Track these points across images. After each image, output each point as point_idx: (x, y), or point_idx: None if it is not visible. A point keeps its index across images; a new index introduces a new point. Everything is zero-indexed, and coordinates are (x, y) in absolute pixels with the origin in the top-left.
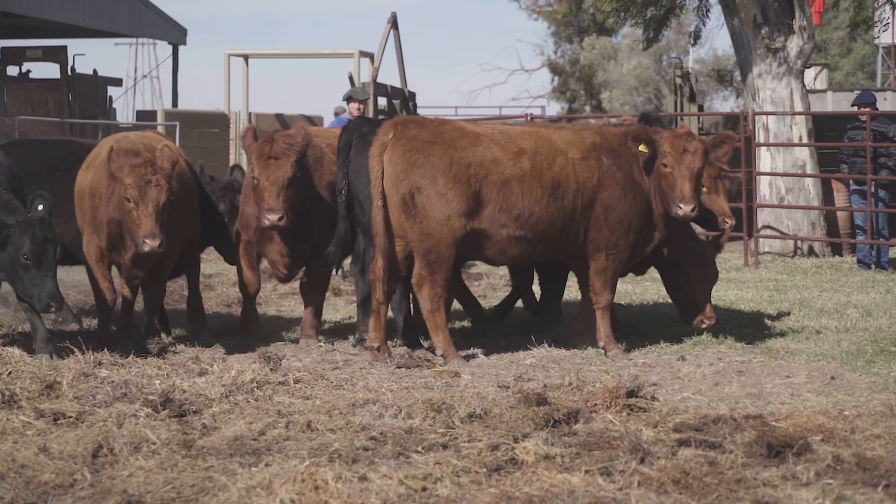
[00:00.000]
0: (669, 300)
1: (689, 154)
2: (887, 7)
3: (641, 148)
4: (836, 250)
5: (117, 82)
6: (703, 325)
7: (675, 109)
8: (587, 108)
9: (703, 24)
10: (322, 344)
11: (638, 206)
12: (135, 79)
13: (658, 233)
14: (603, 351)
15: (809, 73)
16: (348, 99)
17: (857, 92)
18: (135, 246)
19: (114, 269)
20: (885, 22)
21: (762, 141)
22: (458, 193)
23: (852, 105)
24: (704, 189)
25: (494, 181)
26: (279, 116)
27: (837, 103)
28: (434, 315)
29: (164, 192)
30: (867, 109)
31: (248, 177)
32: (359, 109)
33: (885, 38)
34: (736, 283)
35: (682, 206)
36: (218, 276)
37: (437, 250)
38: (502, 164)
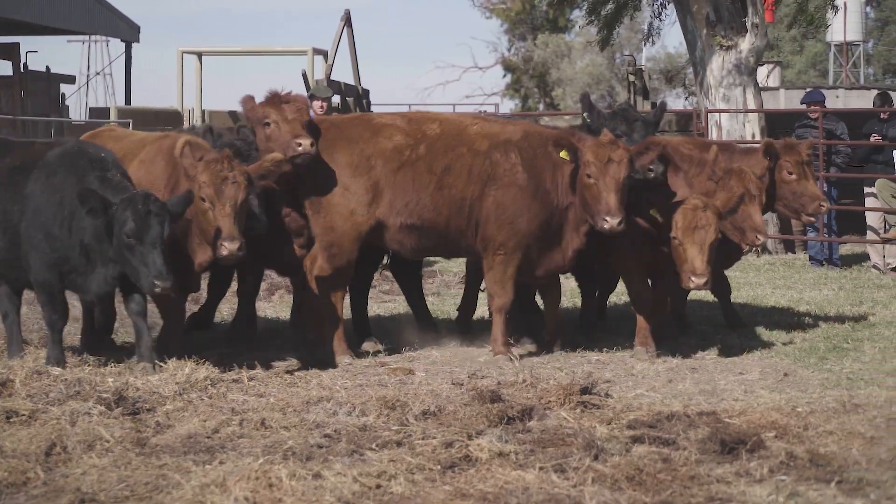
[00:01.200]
0: (627, 298)
1: (614, 163)
2: (830, 10)
3: (563, 155)
4: (789, 247)
5: (70, 79)
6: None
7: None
8: (540, 106)
9: (660, 21)
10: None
11: (536, 211)
12: (88, 76)
13: (572, 244)
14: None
15: (762, 71)
16: (311, 97)
17: (809, 90)
18: (204, 251)
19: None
20: (827, 24)
21: (715, 139)
22: (359, 186)
23: (801, 103)
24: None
25: (391, 169)
26: (232, 114)
27: (790, 101)
28: (329, 307)
29: (243, 190)
30: (816, 108)
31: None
32: (321, 107)
33: (836, 36)
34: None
35: (607, 219)
36: None
37: (339, 244)
38: (401, 151)
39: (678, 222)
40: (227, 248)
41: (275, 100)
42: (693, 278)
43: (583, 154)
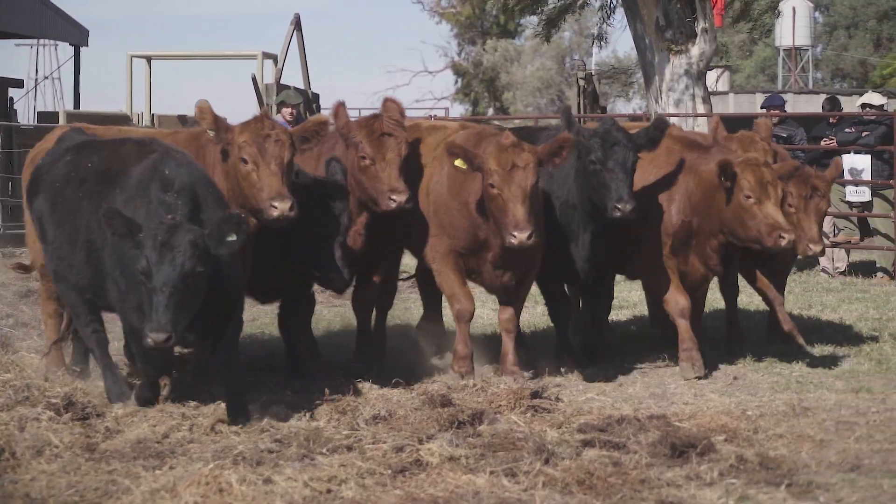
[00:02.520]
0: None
1: (520, 170)
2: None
3: (457, 164)
4: None
5: (18, 83)
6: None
7: (579, 111)
8: (490, 110)
9: (608, 25)
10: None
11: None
12: (36, 80)
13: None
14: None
15: (711, 76)
16: (281, 104)
17: (766, 94)
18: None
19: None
20: (767, 28)
21: None
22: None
23: (762, 108)
24: (791, 209)
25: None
26: (182, 118)
27: (739, 105)
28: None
29: (287, 149)
30: (776, 112)
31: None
32: (291, 114)
33: (785, 41)
34: (637, 284)
35: (515, 234)
36: None
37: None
38: None
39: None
40: (279, 207)
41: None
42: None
43: (484, 161)
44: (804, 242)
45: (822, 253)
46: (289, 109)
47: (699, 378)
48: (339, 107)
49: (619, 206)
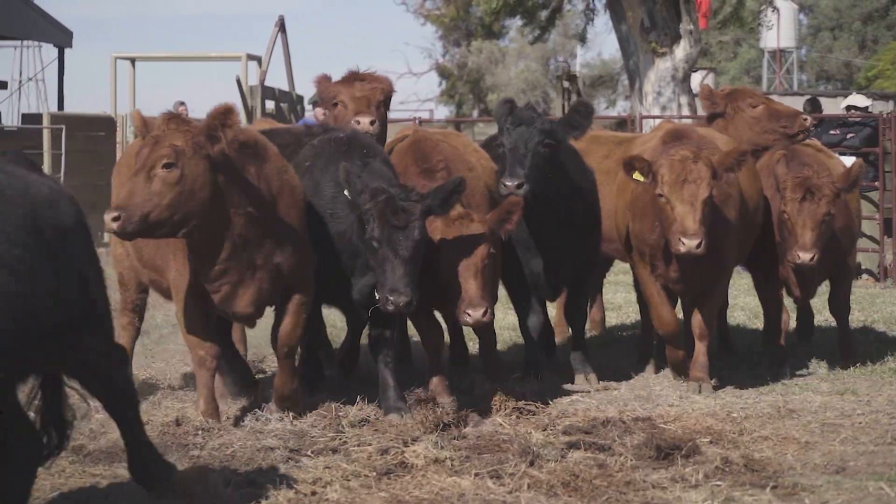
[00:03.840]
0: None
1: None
2: (769, 10)
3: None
4: None
5: (2, 85)
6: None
7: (563, 113)
8: (475, 112)
9: (591, 24)
10: None
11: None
12: (20, 81)
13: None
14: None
15: (696, 77)
16: (314, 103)
17: None
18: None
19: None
20: (769, 25)
21: None
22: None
23: None
24: (785, 215)
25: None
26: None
27: None
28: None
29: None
30: None
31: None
32: (324, 114)
33: (770, 43)
34: (624, 286)
35: (684, 241)
36: None
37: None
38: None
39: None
40: (686, 245)
41: (349, 78)
42: (800, 252)
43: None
44: (794, 250)
45: (813, 263)
46: (320, 109)
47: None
48: (323, 77)
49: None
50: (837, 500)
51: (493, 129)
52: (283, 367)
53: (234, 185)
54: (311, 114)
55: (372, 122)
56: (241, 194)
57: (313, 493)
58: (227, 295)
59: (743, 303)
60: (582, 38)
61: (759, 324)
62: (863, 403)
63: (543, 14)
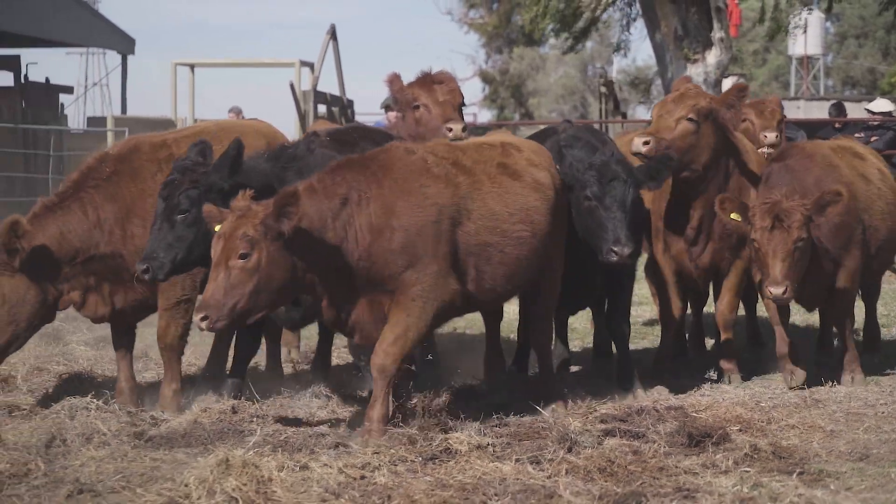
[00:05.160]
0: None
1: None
2: (804, 13)
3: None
4: None
5: (69, 90)
6: None
7: (601, 117)
8: (516, 116)
9: (629, 34)
10: None
11: None
12: (85, 87)
13: None
14: None
15: (727, 83)
16: (387, 107)
17: None
18: None
19: None
20: (802, 28)
21: None
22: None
23: None
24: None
25: None
26: None
27: None
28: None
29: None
30: None
31: None
32: (397, 117)
33: (797, 50)
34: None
35: (771, 290)
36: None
37: None
38: None
39: None
40: (774, 292)
41: (425, 80)
42: (770, 288)
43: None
44: (766, 284)
45: (786, 296)
46: (394, 113)
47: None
48: (395, 76)
49: (616, 250)
50: (861, 486)
51: (531, 132)
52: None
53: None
54: (384, 117)
55: (464, 129)
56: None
57: (362, 477)
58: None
59: None
60: (617, 48)
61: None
62: (885, 394)
63: (579, 25)
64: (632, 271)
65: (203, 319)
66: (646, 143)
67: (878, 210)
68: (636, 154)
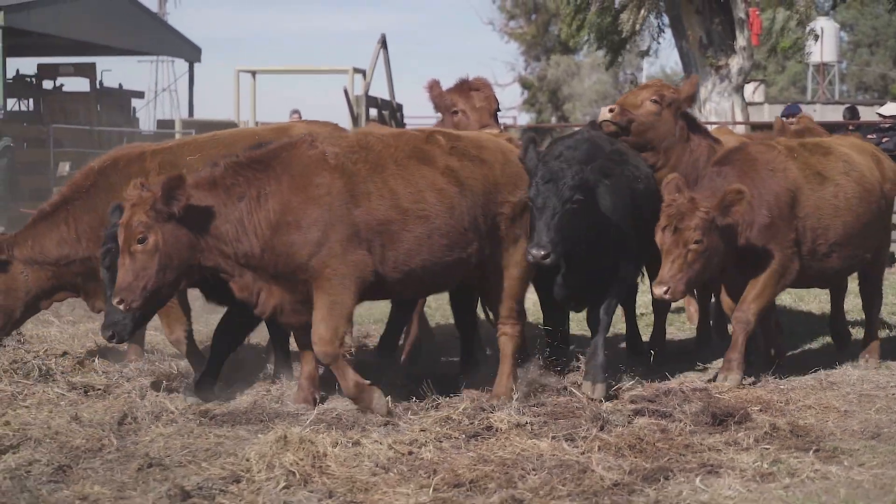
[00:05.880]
0: None
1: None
2: (811, 38)
3: None
4: None
5: (140, 95)
6: None
7: None
8: (553, 119)
9: (658, 43)
10: None
11: None
12: (155, 92)
13: None
14: None
15: (748, 88)
16: None
17: (788, 104)
18: None
19: None
20: (808, 51)
21: None
22: None
23: (781, 116)
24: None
25: None
26: None
27: (773, 114)
28: None
29: None
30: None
31: None
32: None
33: (814, 58)
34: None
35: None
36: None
37: None
38: None
39: None
40: (655, 292)
41: (463, 87)
42: (655, 287)
43: None
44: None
45: (668, 297)
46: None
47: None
48: (434, 83)
49: (533, 252)
50: (872, 462)
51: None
52: None
53: None
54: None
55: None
56: None
57: (410, 453)
58: None
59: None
60: (646, 54)
61: (803, 305)
62: None
63: (615, 38)
64: (629, 272)
65: (119, 303)
66: (611, 110)
67: (830, 208)
68: (603, 122)
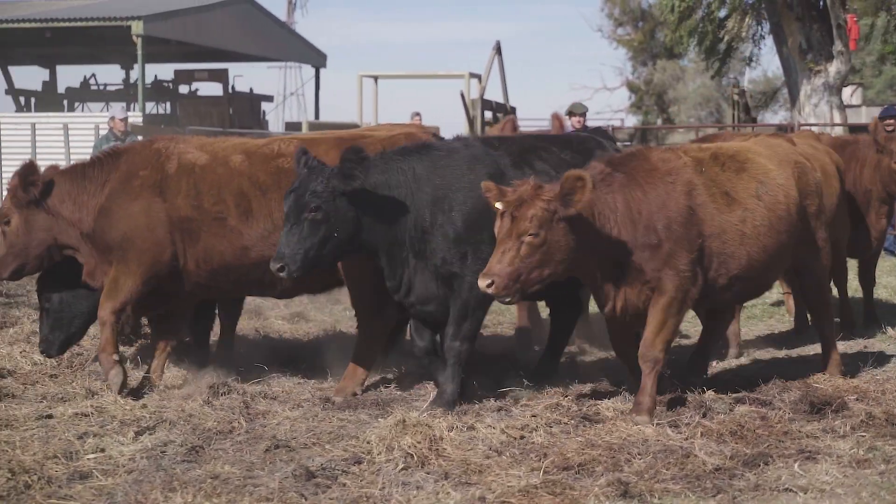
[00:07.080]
0: None
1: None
2: None
3: None
4: None
5: (269, 99)
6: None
7: (734, 122)
8: (658, 121)
9: (759, 49)
10: None
11: None
12: (284, 96)
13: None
14: None
15: (846, 91)
16: (570, 113)
17: (886, 106)
18: None
19: None
20: None
21: None
22: None
23: (879, 117)
24: None
25: None
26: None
27: (870, 116)
28: None
29: None
30: (891, 121)
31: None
32: (579, 122)
33: None
34: None
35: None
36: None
37: None
38: None
39: None
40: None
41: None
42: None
43: None
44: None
45: (493, 292)
46: (577, 118)
47: None
48: (556, 117)
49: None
50: None
51: (674, 136)
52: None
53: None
54: (569, 122)
55: None
56: None
57: (521, 437)
58: None
59: (885, 282)
60: (749, 61)
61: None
62: None
63: (721, 47)
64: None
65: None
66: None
67: (736, 235)
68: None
